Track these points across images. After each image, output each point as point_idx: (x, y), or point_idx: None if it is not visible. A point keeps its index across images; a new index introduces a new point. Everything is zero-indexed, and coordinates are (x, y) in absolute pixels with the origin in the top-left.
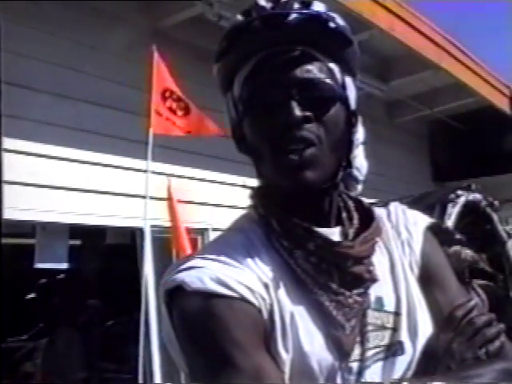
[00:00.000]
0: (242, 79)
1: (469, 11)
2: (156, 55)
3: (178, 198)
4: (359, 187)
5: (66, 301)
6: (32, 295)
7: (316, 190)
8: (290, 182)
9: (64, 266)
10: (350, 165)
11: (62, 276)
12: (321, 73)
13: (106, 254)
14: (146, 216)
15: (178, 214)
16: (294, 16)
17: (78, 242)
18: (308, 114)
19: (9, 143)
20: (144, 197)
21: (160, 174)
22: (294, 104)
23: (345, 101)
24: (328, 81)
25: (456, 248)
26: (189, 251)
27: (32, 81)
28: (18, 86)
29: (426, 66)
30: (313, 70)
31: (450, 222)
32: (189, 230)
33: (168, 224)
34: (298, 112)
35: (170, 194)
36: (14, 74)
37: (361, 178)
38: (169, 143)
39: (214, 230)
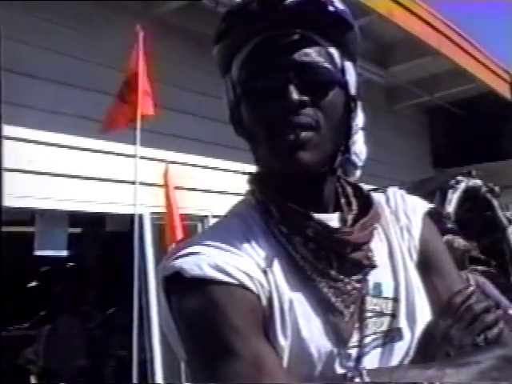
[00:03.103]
0: (240, 62)
1: None
2: (141, 35)
3: (177, 185)
4: (358, 173)
5: (67, 288)
6: (33, 283)
7: (312, 173)
8: (285, 163)
9: (63, 253)
10: (348, 150)
11: (62, 264)
12: (319, 56)
13: (106, 241)
14: (136, 202)
15: (172, 200)
16: None
17: (77, 230)
18: (305, 98)
19: (7, 130)
20: (144, 183)
21: (161, 160)
22: (292, 88)
23: (344, 85)
24: (327, 65)
25: (448, 237)
26: (179, 237)
27: (31, 68)
28: (17, 73)
29: (425, 51)
30: (311, 53)
31: (450, 208)
32: (183, 217)
33: (163, 210)
34: (295, 96)
35: (166, 181)
36: (12, 62)
37: (360, 163)
38: (169, 130)
39: (214, 216)
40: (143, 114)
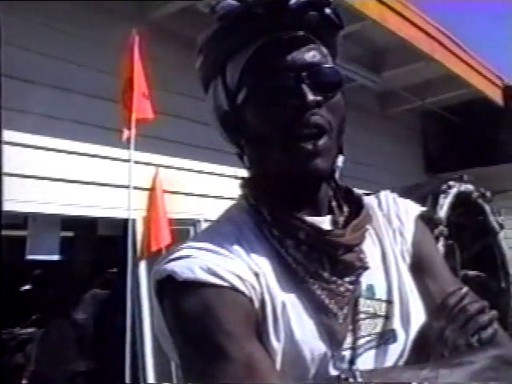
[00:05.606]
0: (242, 64)
1: (462, 2)
2: (136, 39)
3: (168, 189)
4: (337, 175)
5: (59, 292)
6: (26, 287)
7: (324, 179)
8: (302, 170)
9: (55, 257)
10: (342, 152)
11: (55, 267)
12: (323, 58)
13: (98, 245)
14: (130, 207)
15: (159, 204)
16: (294, 1)
17: (69, 234)
18: (319, 98)
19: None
20: (137, 188)
21: (155, 165)
22: (306, 88)
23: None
24: (332, 65)
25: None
26: (166, 242)
27: (27, 73)
28: (12, 77)
29: (418, 57)
30: (317, 55)
31: (442, 213)
32: (171, 221)
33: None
34: (310, 96)
35: (154, 184)
36: (8, 66)
37: (339, 164)
38: (163, 134)
39: (206, 221)
40: (142, 118)
